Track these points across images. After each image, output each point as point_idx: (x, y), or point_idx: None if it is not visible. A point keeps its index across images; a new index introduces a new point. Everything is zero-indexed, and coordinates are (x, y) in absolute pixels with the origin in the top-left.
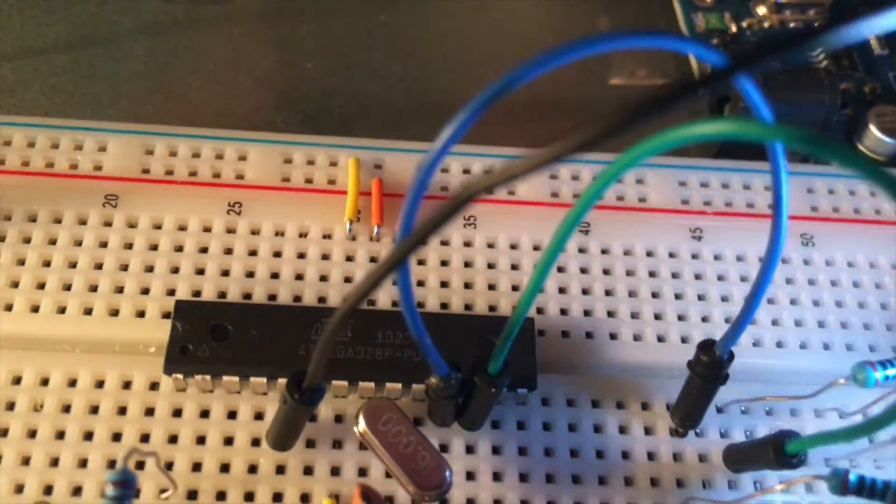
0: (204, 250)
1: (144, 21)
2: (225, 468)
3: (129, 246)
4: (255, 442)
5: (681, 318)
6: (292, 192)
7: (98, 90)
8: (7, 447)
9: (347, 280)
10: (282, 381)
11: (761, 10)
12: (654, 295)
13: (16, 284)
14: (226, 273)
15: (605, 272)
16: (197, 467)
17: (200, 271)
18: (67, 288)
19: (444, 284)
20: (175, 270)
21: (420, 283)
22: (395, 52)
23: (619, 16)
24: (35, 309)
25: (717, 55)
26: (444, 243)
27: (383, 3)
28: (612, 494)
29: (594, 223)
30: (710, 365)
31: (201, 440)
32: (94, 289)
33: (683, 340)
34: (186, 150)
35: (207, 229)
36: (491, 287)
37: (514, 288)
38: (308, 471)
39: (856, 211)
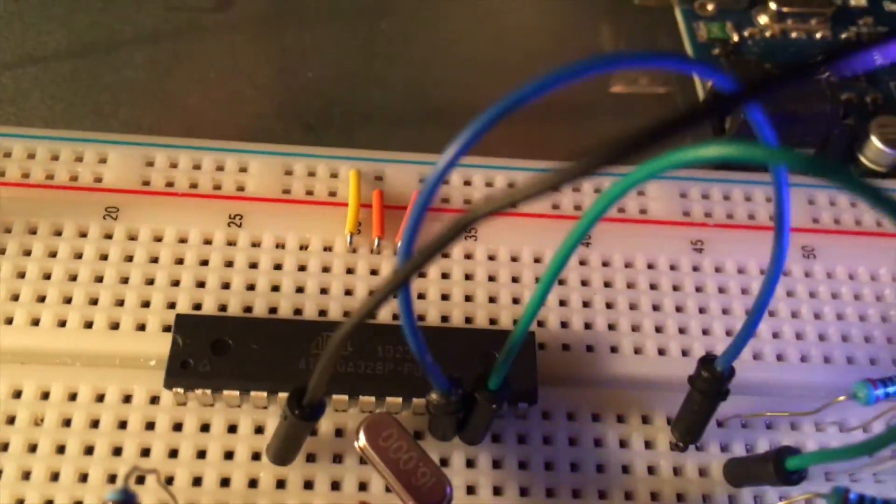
0: (205, 263)
1: (145, 29)
2: (225, 482)
3: (130, 258)
4: (256, 456)
5: (682, 330)
6: (293, 203)
7: (99, 99)
8: (7, 461)
9: (348, 293)
10: (282, 395)
11: (763, 20)
12: (655, 307)
13: (16, 297)
14: (226, 286)
15: (606, 284)
16: (197, 482)
17: (201, 284)
18: (68, 301)
19: (444, 297)
20: (176, 283)
21: (421, 296)
22: (396, 59)
23: (620, 25)
24: (35, 322)
25: (729, 81)
26: (445, 255)
27: (384, 11)
28: None
29: (595, 235)
30: (711, 381)
31: (202, 454)
32: (94, 302)
33: (684, 353)
34: (187, 161)
35: (208, 241)
36: (492, 300)
37: (515, 301)
38: (308, 485)
39: (857, 223)
